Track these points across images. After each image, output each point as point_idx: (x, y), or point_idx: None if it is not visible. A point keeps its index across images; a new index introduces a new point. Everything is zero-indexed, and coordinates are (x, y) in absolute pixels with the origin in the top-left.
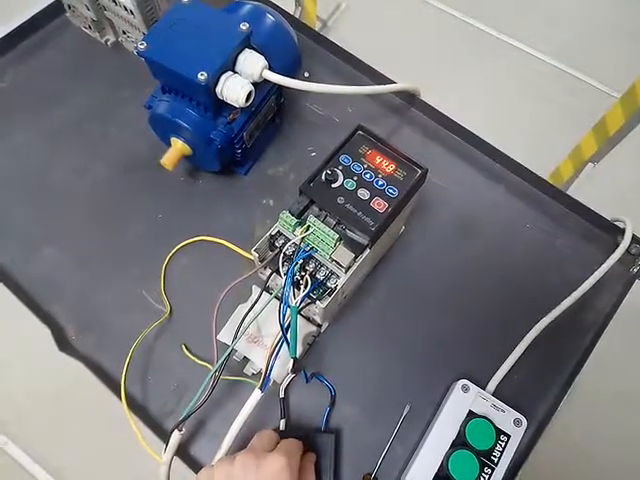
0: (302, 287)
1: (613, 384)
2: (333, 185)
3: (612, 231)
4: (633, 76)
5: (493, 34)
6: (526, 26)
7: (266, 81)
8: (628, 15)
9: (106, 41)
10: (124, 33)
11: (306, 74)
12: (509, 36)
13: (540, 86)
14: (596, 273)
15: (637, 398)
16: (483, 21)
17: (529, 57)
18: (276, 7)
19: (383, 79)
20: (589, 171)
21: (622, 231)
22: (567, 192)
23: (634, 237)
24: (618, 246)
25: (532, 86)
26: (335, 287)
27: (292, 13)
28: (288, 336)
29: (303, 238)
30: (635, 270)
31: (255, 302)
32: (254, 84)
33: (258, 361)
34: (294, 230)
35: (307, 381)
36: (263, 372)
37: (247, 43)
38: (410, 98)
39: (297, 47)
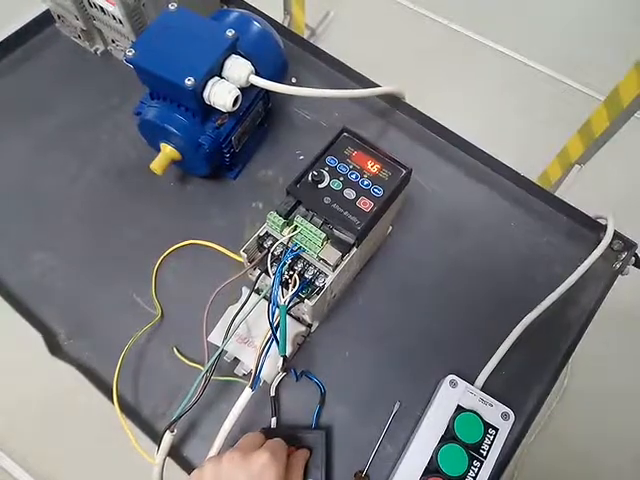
0: (291, 286)
1: (603, 382)
2: (320, 186)
3: (595, 228)
4: (617, 79)
5: (480, 40)
6: (512, 32)
7: (253, 86)
8: (613, 20)
9: (95, 50)
10: (113, 42)
11: (293, 80)
12: (496, 42)
13: (527, 90)
14: (579, 268)
15: (627, 395)
16: (470, 28)
17: (515, 62)
18: (264, 15)
19: (369, 83)
20: (576, 172)
21: (605, 228)
22: (555, 193)
23: (616, 233)
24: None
25: (518, 90)
26: (323, 286)
27: (281, 22)
28: (277, 335)
29: (291, 238)
30: (617, 266)
31: (244, 303)
32: (241, 89)
33: (248, 361)
34: (282, 230)
35: (297, 379)
36: (253, 371)
37: (233, 49)
38: (395, 102)
39: (283, 53)
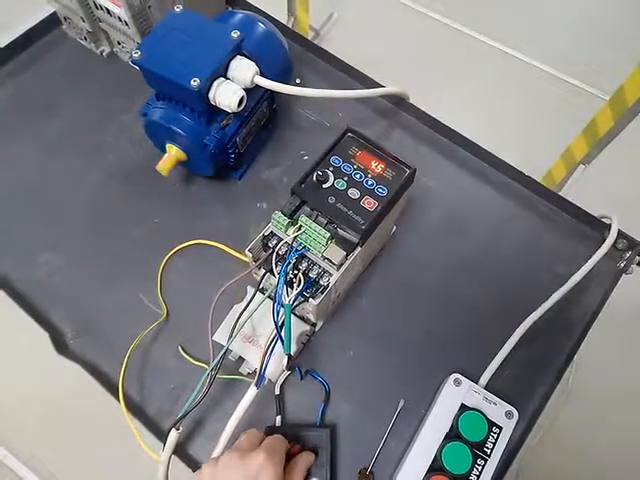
0: (295, 286)
1: (608, 383)
2: (324, 185)
3: (599, 227)
4: (622, 79)
5: (484, 40)
6: (516, 32)
7: (258, 87)
8: (617, 19)
9: (101, 52)
10: (119, 44)
11: (297, 80)
12: (500, 42)
13: (530, 90)
14: (583, 268)
15: (631, 396)
16: (474, 28)
17: (519, 62)
18: (268, 17)
19: (373, 84)
20: (580, 172)
21: (609, 227)
22: (560, 193)
23: (620, 232)
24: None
25: (522, 90)
26: (328, 285)
27: (285, 23)
28: (282, 334)
29: (295, 237)
30: (622, 265)
31: (249, 302)
32: (246, 90)
33: (253, 360)
34: (286, 230)
35: (301, 378)
36: (258, 369)
37: (238, 50)
38: (399, 102)
39: (288, 54)
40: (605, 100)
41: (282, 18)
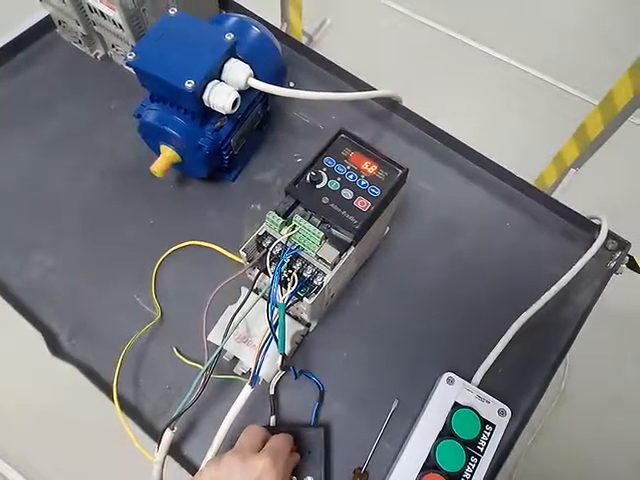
0: (289, 285)
1: (600, 383)
2: (318, 186)
3: (590, 228)
4: (611, 84)
5: (476, 46)
6: (508, 38)
7: (252, 89)
8: (607, 26)
9: (96, 55)
10: (113, 47)
11: (291, 84)
12: (492, 48)
13: (522, 95)
14: (574, 267)
15: (623, 396)
16: (466, 34)
17: (510, 67)
18: (262, 21)
19: (366, 87)
20: (571, 176)
21: (599, 228)
22: (551, 195)
23: (610, 233)
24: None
25: (513, 95)
26: (321, 284)
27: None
28: (276, 333)
29: (289, 237)
30: (612, 265)
31: (243, 302)
32: (240, 92)
33: (247, 360)
34: (280, 230)
35: (296, 377)
36: (252, 368)
37: (232, 52)
38: (392, 105)
39: (282, 57)
40: (595, 105)
41: (276, 24)
